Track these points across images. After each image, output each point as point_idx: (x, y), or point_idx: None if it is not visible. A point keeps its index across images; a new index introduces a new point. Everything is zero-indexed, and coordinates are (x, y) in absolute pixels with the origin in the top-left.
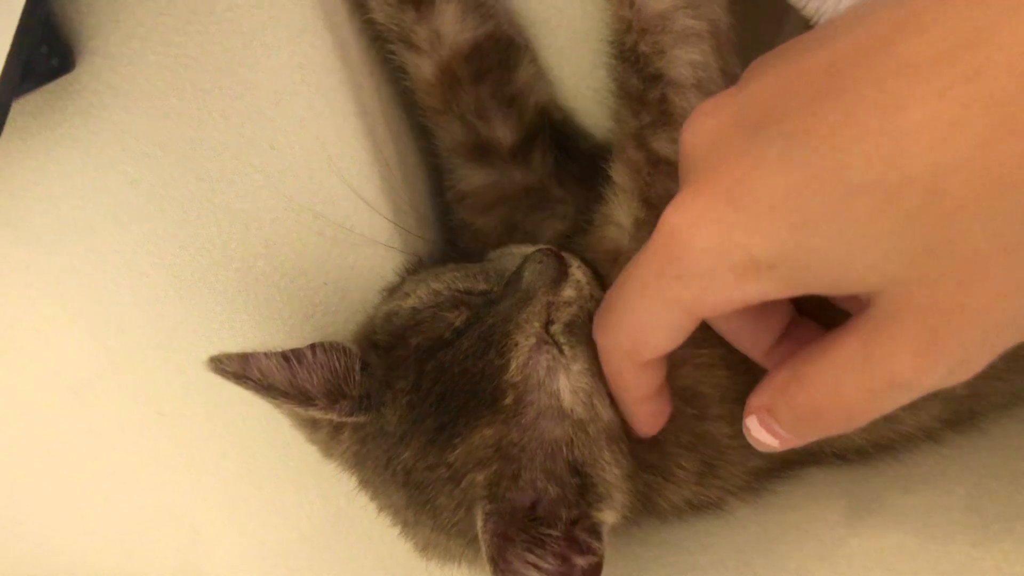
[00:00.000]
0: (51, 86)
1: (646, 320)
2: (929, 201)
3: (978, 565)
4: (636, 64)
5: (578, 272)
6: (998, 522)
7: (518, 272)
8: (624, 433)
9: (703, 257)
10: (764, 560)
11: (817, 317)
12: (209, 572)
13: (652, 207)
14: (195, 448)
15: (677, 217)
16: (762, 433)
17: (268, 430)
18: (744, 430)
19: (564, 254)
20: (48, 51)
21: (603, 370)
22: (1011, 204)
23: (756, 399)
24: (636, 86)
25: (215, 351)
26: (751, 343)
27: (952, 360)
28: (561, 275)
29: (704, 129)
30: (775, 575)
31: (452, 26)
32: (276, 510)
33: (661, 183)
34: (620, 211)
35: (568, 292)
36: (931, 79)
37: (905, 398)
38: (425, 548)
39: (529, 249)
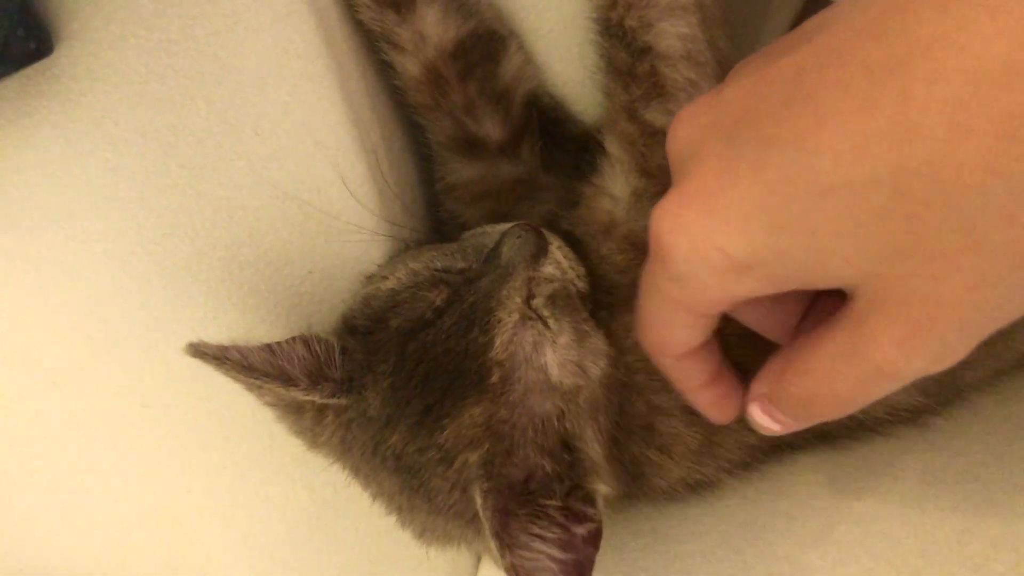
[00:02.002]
0: (28, 70)
1: (660, 321)
2: (895, 201)
3: (965, 550)
4: (624, 39)
5: (558, 253)
6: (985, 507)
7: (497, 248)
8: (609, 408)
9: (686, 261)
10: (753, 548)
11: None
12: (195, 564)
13: (652, 177)
14: (179, 440)
15: (661, 222)
16: (764, 419)
17: (253, 422)
18: (747, 416)
19: (544, 231)
20: (25, 34)
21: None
22: (972, 204)
23: (756, 387)
24: (625, 60)
25: (199, 341)
26: (773, 329)
27: (933, 348)
28: (541, 250)
29: (683, 136)
30: (764, 563)
31: (435, 27)
32: (262, 502)
33: (659, 153)
34: (616, 183)
35: (548, 269)
36: (891, 83)
37: (894, 385)
38: (423, 533)
39: (507, 225)
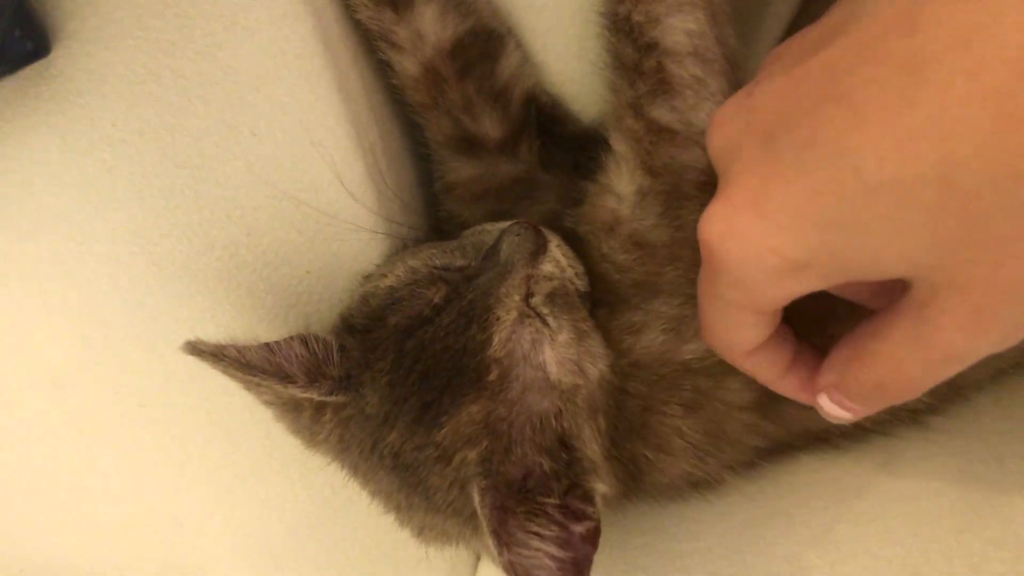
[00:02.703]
0: (26, 71)
1: (722, 324)
2: (945, 195)
3: (964, 550)
4: (630, 34)
5: (557, 251)
6: (984, 506)
7: (496, 246)
8: (607, 408)
9: (740, 266)
10: (752, 547)
11: None
12: (194, 564)
13: (657, 175)
14: (177, 439)
15: (711, 229)
16: (834, 408)
17: (251, 421)
18: (817, 408)
19: (543, 229)
20: (22, 34)
21: None
22: None
23: (823, 379)
24: (631, 56)
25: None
26: (865, 298)
27: (997, 330)
28: (540, 247)
29: (719, 141)
30: (764, 562)
31: (433, 25)
32: (261, 501)
33: (664, 151)
34: (621, 181)
35: (547, 268)
36: (929, 78)
37: (961, 366)
38: (421, 531)
39: (506, 223)
